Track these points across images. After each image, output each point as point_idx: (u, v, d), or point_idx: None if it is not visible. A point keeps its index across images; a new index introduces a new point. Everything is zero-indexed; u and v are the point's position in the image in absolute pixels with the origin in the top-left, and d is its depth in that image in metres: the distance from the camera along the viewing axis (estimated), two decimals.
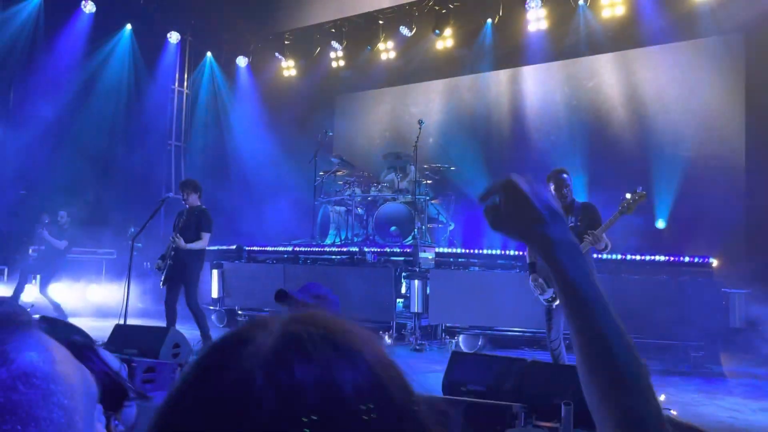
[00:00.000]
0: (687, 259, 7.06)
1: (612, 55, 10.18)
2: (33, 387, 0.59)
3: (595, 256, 5.51)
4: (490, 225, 0.99)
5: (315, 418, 0.47)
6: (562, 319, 5.53)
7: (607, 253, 5.75)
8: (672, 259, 7.19)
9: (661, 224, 9.09)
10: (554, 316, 5.48)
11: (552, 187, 5.39)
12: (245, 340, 0.52)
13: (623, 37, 9.87)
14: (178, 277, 6.82)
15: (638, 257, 7.26)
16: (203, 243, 6.92)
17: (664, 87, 9.60)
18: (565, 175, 5.47)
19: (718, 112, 9.04)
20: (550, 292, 5.37)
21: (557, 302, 5.35)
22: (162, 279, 6.87)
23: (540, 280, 5.35)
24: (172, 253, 6.84)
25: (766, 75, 8.30)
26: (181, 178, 10.18)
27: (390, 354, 0.57)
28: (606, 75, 10.19)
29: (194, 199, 7.03)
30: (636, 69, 9.96)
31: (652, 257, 7.30)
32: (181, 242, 6.74)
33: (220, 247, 9.57)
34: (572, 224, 5.35)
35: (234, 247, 9.85)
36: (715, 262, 7.38)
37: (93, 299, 10.12)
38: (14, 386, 0.57)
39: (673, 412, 4.57)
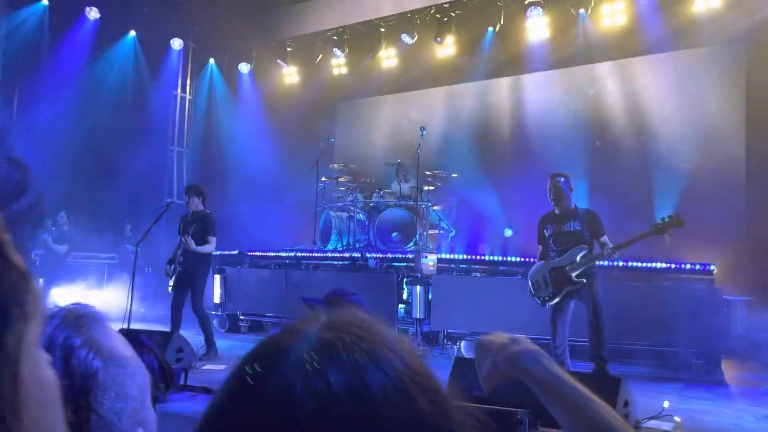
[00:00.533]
0: (688, 266, 7.09)
1: (613, 64, 10.24)
2: (120, 367, 0.65)
3: (598, 263, 5.57)
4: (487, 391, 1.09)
5: (348, 421, 0.50)
6: (567, 326, 5.58)
7: (609, 261, 5.82)
8: (673, 266, 7.22)
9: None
10: (559, 323, 5.56)
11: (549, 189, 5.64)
12: (283, 348, 0.55)
13: (624, 45, 9.93)
14: (186, 282, 6.86)
15: (640, 264, 7.29)
16: (211, 247, 6.98)
17: (665, 96, 9.65)
18: (560, 179, 5.63)
19: (719, 122, 9.09)
20: (545, 292, 5.52)
21: (553, 302, 5.50)
22: (170, 284, 6.92)
23: (537, 277, 5.55)
24: (181, 258, 6.89)
25: (765, 84, 8.35)
26: (183, 184, 10.24)
27: (419, 356, 0.59)
28: (607, 83, 10.25)
29: (198, 204, 7.07)
30: (637, 77, 10.02)
31: (654, 264, 7.33)
32: (192, 244, 6.78)
33: (222, 252, 9.59)
34: (577, 228, 5.51)
35: (236, 252, 9.87)
36: (716, 270, 7.42)
37: (95, 304, 10.11)
38: (106, 366, 0.63)
39: (677, 419, 4.59)
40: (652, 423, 4.39)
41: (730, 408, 5.10)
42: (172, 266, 6.95)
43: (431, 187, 10.06)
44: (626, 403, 4.34)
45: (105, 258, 10.77)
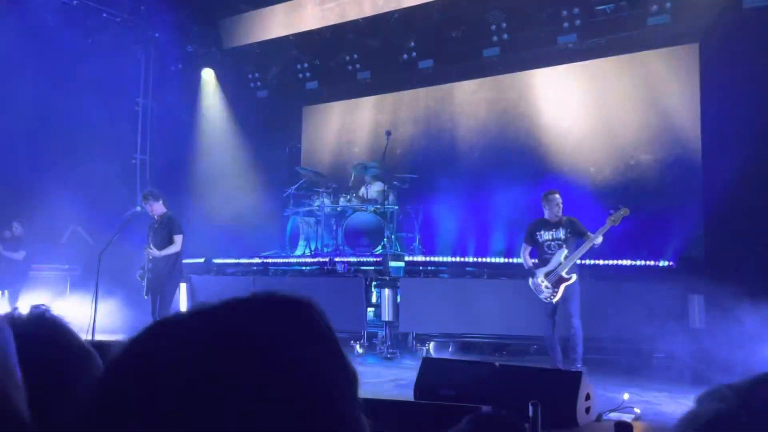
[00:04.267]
0: (649, 262, 7.28)
1: (574, 65, 10.43)
2: None
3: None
4: None
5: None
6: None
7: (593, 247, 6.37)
8: (634, 263, 7.40)
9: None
10: (556, 317, 6.27)
11: (547, 207, 6.44)
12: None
13: (584, 47, 10.14)
14: (156, 288, 6.83)
15: (602, 262, 7.45)
16: (177, 246, 6.91)
17: (624, 96, 9.87)
18: (557, 196, 6.48)
19: (676, 118, 9.33)
20: (547, 292, 6.27)
21: (556, 299, 6.22)
22: (144, 291, 6.91)
23: (536, 280, 6.33)
24: (149, 265, 6.85)
25: (718, 82, 8.62)
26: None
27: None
28: (570, 84, 10.43)
29: (159, 207, 7.02)
30: (596, 79, 10.23)
31: (616, 261, 7.50)
32: (154, 251, 6.74)
33: (188, 261, 9.49)
34: (567, 235, 6.38)
35: (202, 260, 9.79)
36: (675, 265, 7.62)
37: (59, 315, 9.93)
38: None
39: (637, 410, 4.71)
40: (613, 415, 4.50)
41: (688, 399, 5.24)
42: (144, 272, 6.93)
43: (398, 191, 10.12)
44: (588, 397, 4.44)
45: (67, 269, 10.56)
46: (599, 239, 6.16)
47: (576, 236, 6.35)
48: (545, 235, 6.43)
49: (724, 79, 8.49)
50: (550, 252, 6.37)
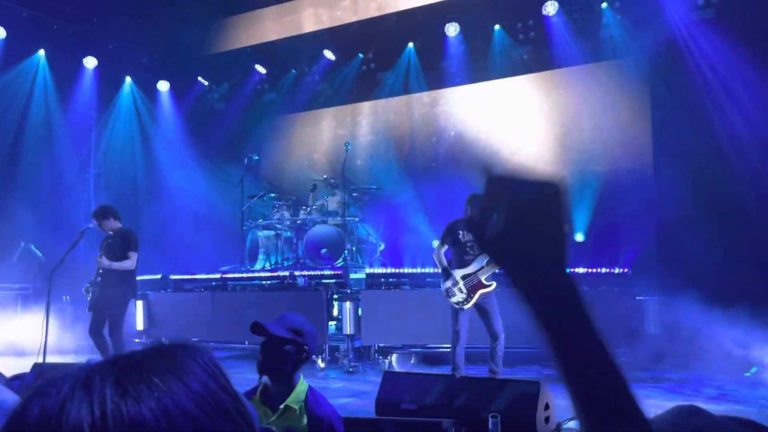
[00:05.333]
0: (605, 270, 7.42)
1: (529, 77, 10.62)
2: None
3: None
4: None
5: None
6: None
7: None
8: (591, 270, 7.53)
9: (580, 237, 9.50)
10: (466, 326, 5.93)
11: (470, 210, 5.79)
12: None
13: (539, 59, 10.35)
14: (104, 304, 6.50)
15: None
16: (131, 263, 6.57)
17: (578, 106, 10.09)
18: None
19: (628, 129, 9.57)
20: (460, 296, 5.82)
21: (468, 305, 5.79)
22: (88, 307, 6.58)
23: (450, 282, 5.85)
24: (99, 279, 6.56)
25: (668, 94, 8.88)
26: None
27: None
28: (524, 95, 10.61)
29: (113, 224, 6.78)
30: (551, 89, 10.43)
31: (573, 269, 7.61)
32: (104, 261, 6.46)
33: (145, 277, 9.28)
34: None
35: (159, 276, 9.58)
36: (630, 272, 7.79)
37: (8, 336, 9.57)
38: None
39: None
40: (573, 424, 4.54)
41: (645, 404, 5.34)
42: (92, 287, 6.60)
43: (359, 202, 10.11)
44: (547, 406, 4.48)
45: (17, 288, 10.21)
46: None
47: None
48: (468, 236, 5.80)
49: (674, 92, 8.75)
50: (472, 253, 5.85)
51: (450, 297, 5.87)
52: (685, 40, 8.80)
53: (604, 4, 9.61)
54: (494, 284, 5.79)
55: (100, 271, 6.60)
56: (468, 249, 5.87)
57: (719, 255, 7.27)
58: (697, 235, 7.69)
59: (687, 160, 8.18)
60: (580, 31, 9.80)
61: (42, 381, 0.57)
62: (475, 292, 5.80)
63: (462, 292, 5.80)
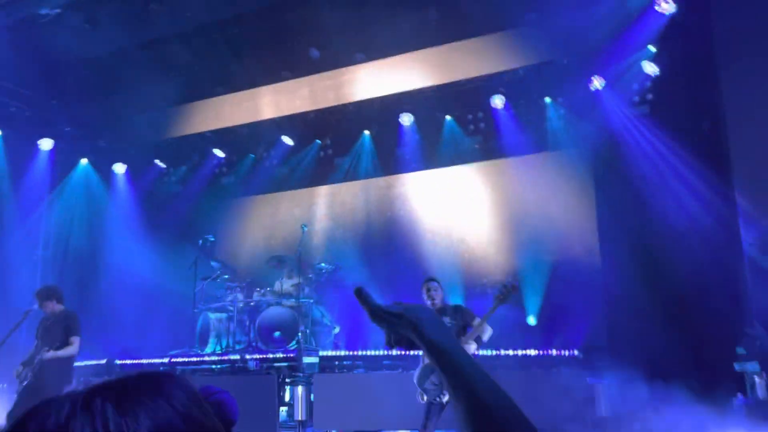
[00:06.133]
0: (555, 352, 7.52)
1: (479, 165, 11.05)
2: None
3: (475, 353, 5.91)
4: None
5: None
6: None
7: (483, 349, 6.14)
8: (542, 353, 7.62)
9: (532, 321, 9.63)
10: (436, 417, 5.76)
11: (423, 293, 6.17)
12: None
13: (488, 148, 10.82)
14: (37, 393, 6.12)
15: (511, 352, 7.63)
16: (74, 348, 6.30)
17: (527, 194, 10.46)
18: (434, 283, 6.26)
19: (574, 216, 9.93)
20: (435, 391, 5.73)
21: (446, 398, 5.65)
22: (18, 391, 6.17)
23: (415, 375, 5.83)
24: (36, 367, 6.24)
25: (610, 182, 9.32)
26: None
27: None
28: (475, 182, 11.00)
29: (53, 306, 6.60)
30: (501, 177, 10.85)
31: (525, 352, 7.70)
32: (48, 354, 6.17)
33: (88, 363, 8.93)
34: (451, 323, 5.91)
35: (104, 361, 9.24)
36: (581, 355, 7.91)
37: None
38: None
39: None
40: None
41: None
42: (25, 370, 6.25)
43: (315, 284, 10.09)
44: None
45: None
46: (488, 331, 5.77)
47: (461, 325, 5.95)
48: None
49: (615, 181, 9.17)
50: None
51: (425, 394, 5.87)
52: (623, 133, 9.34)
53: (548, 99, 10.20)
54: None
55: (39, 356, 6.29)
56: None
57: (663, 335, 7.45)
58: (642, 316, 7.90)
59: (630, 244, 8.49)
60: (526, 123, 10.33)
61: (35, 404, 0.65)
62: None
63: (435, 385, 5.78)
